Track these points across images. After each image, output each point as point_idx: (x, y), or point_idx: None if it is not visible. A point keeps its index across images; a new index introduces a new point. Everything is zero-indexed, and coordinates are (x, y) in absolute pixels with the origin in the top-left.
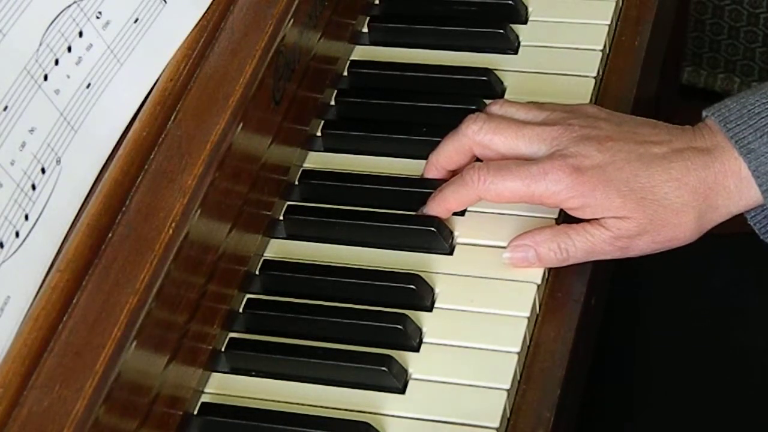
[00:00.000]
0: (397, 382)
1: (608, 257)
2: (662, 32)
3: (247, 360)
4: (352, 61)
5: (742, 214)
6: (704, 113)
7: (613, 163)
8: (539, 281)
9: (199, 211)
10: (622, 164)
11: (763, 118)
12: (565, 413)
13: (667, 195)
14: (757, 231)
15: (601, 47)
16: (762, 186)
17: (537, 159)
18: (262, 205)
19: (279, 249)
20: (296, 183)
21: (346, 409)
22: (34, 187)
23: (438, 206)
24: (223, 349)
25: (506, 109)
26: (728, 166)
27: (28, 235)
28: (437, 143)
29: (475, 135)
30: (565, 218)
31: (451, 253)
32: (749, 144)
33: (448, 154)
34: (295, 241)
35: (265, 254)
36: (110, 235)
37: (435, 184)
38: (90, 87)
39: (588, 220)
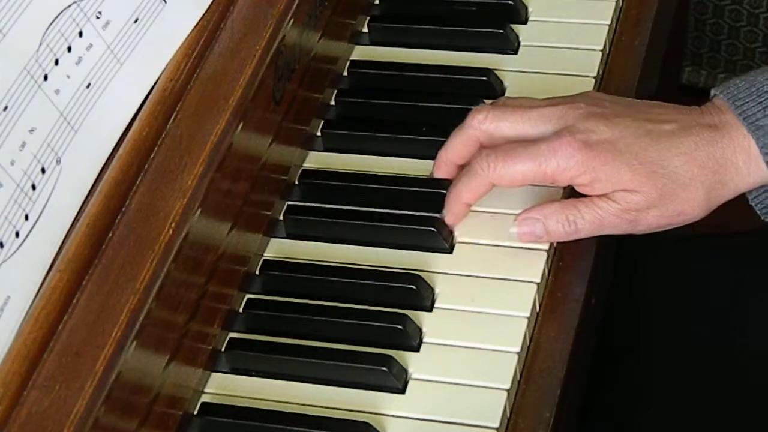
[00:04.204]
0: (397, 382)
1: (617, 231)
2: (662, 32)
3: (247, 360)
4: (352, 61)
5: (742, 210)
6: (713, 92)
7: (622, 138)
8: (539, 281)
9: (199, 211)
10: (632, 139)
11: None
12: (565, 413)
13: (677, 169)
14: (758, 212)
15: (601, 47)
16: None
17: (544, 137)
18: (262, 205)
19: (279, 249)
20: (296, 183)
21: (346, 409)
22: (34, 187)
23: (455, 203)
24: (223, 349)
25: (510, 101)
26: (737, 142)
27: (28, 235)
28: (437, 143)
29: (481, 124)
30: None
31: (451, 252)
32: (758, 121)
33: (455, 147)
34: (295, 241)
35: (265, 254)
36: (110, 235)
37: (436, 183)
38: (90, 87)
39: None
